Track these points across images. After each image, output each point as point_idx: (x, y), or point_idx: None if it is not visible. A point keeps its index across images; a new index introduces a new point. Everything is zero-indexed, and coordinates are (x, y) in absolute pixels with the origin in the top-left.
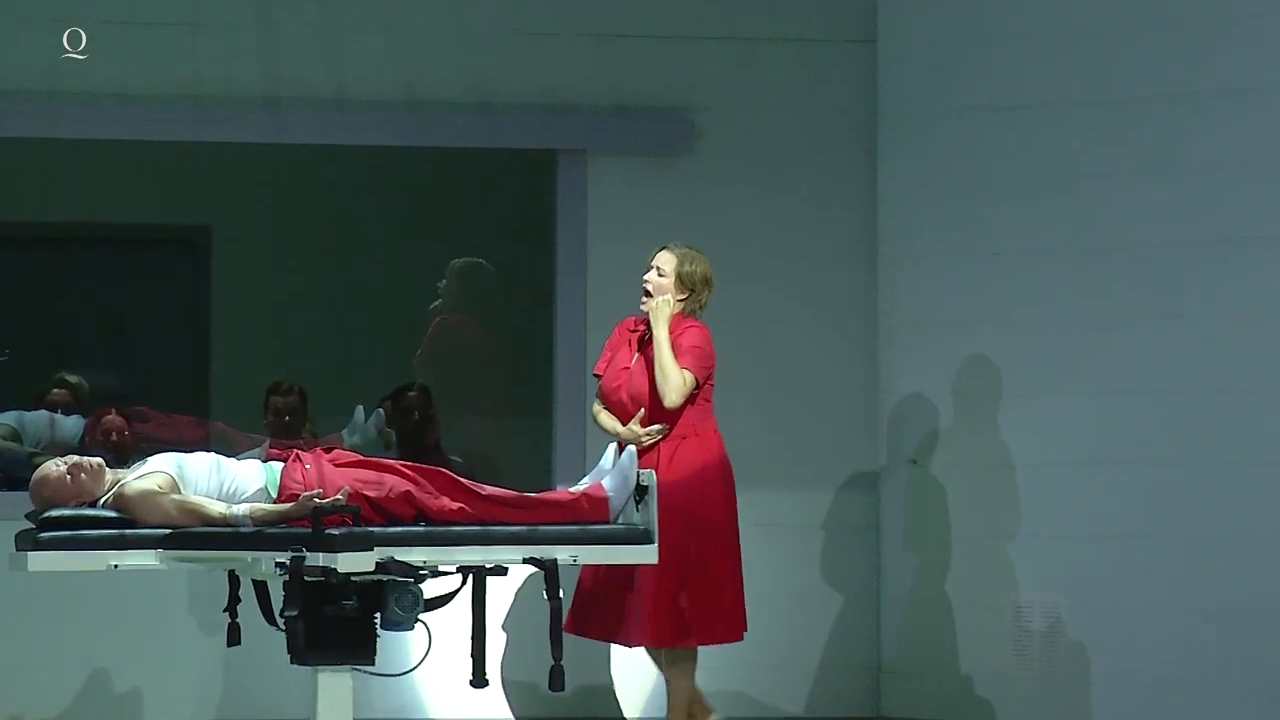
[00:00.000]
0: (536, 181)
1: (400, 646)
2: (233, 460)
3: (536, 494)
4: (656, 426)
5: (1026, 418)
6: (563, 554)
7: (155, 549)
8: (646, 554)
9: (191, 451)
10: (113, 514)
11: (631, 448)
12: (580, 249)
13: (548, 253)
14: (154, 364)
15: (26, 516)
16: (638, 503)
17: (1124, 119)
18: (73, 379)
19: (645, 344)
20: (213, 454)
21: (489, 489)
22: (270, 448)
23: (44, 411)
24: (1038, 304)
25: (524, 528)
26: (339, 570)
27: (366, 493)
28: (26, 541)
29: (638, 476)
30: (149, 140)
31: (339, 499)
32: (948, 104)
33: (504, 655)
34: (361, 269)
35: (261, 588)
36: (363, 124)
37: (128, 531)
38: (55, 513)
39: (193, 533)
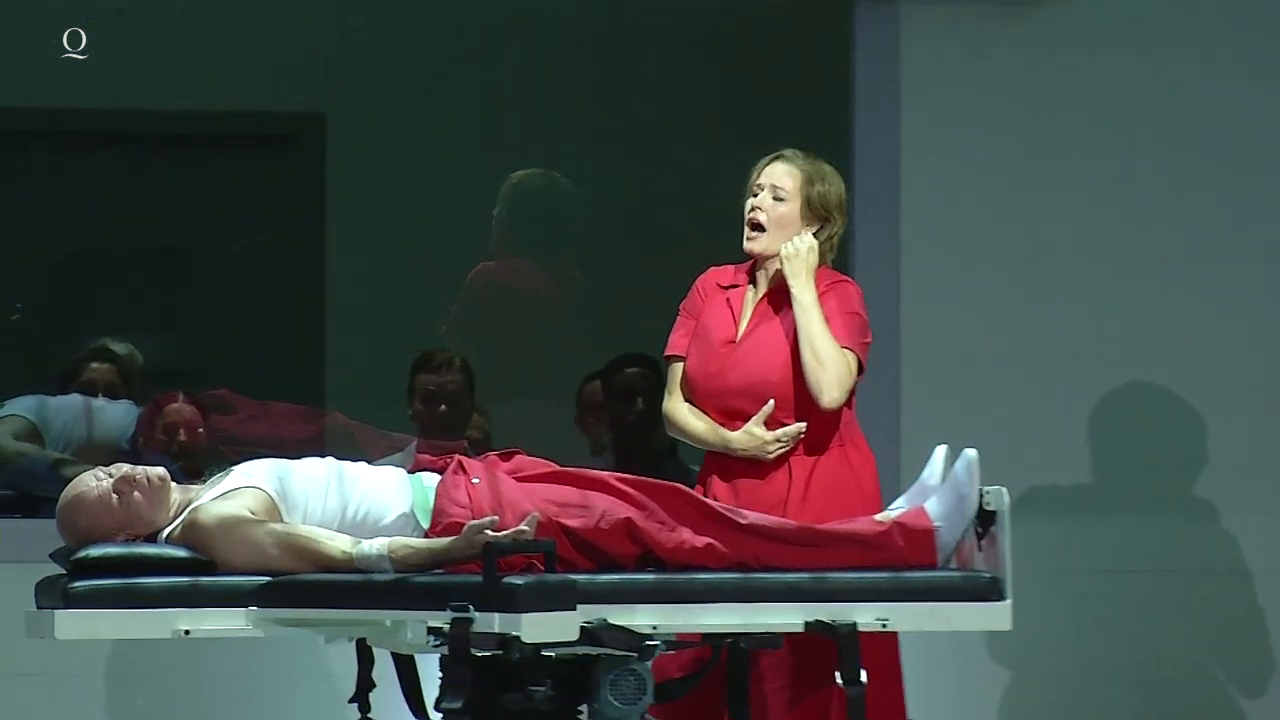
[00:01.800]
0: (823, 40)
1: None
2: (362, 469)
3: (826, 524)
4: (794, 428)
5: None
6: (866, 615)
7: (244, 606)
8: (995, 615)
9: (299, 457)
10: (181, 552)
11: (971, 453)
12: (888, 140)
13: (840, 147)
14: (242, 323)
15: (52, 557)
16: (980, 536)
17: None
18: (119, 348)
19: (763, 308)
20: (331, 460)
21: (752, 515)
22: (419, 452)
23: (77, 396)
24: None
25: (805, 575)
26: (524, 640)
27: (566, 521)
28: (52, 594)
29: (980, 496)
30: None
31: (524, 530)
32: None
33: None
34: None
35: (407, 666)
36: None
37: (203, 579)
38: (95, 551)
39: (301, 581)
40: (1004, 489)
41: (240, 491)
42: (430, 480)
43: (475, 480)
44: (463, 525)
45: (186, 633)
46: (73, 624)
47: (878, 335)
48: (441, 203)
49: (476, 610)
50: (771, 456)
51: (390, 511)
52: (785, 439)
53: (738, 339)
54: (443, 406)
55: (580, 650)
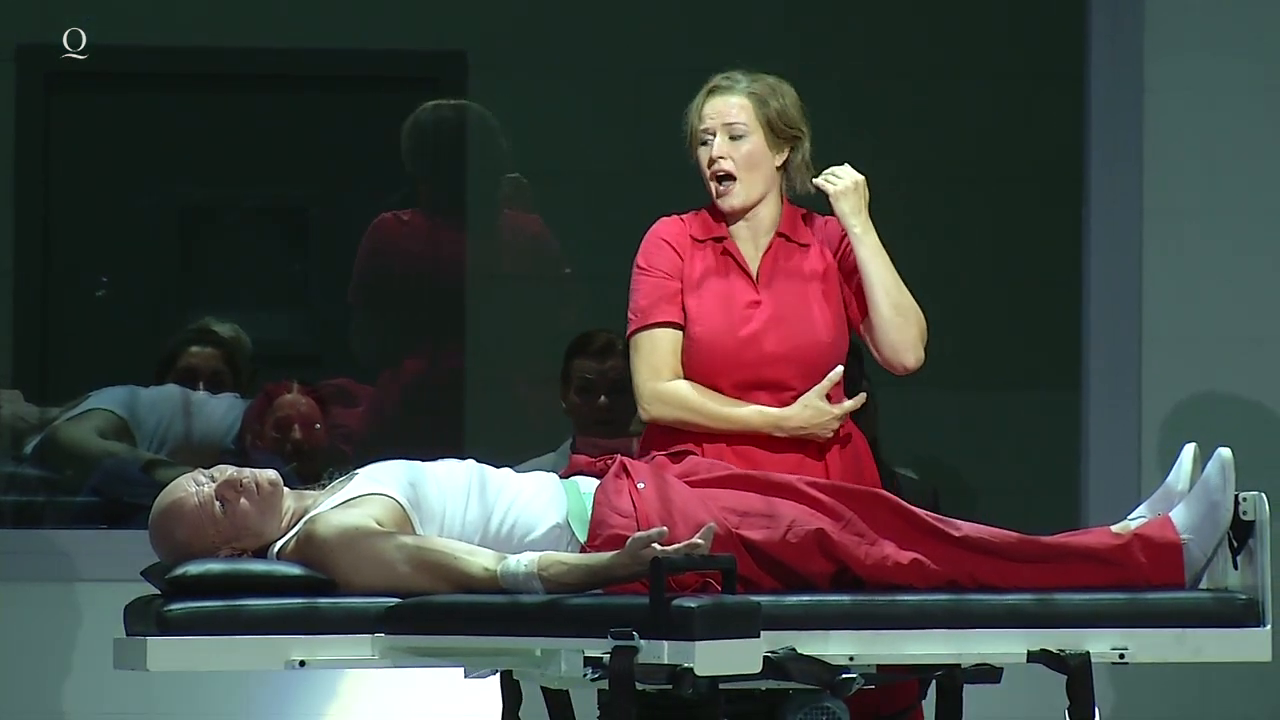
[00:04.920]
0: None
1: None
2: (506, 473)
3: (1053, 536)
4: (858, 400)
5: None
6: (1100, 643)
7: (369, 632)
8: (1253, 644)
9: (433, 458)
10: (295, 569)
11: (1225, 453)
12: (1127, 99)
13: (1072, 101)
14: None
15: (144, 574)
16: (1235, 550)
17: None
18: (224, 329)
19: (773, 260)
20: (471, 462)
21: (967, 527)
22: (574, 453)
23: (173, 387)
24: None
25: (1029, 596)
26: (698, 672)
27: (748, 533)
28: (144, 618)
29: (1235, 503)
30: None
31: (698, 544)
32: None
33: None
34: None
35: (560, 703)
36: None
37: (321, 601)
38: (194, 568)
39: (436, 604)
40: (1263, 495)
41: (365, 499)
42: (588, 486)
43: (641, 485)
44: (626, 538)
45: (301, 663)
46: (169, 653)
47: (1114, 311)
48: (614, 148)
49: (642, 637)
50: (830, 434)
51: (541, 523)
52: (838, 417)
53: (763, 299)
54: (603, 398)
55: (764, 684)
